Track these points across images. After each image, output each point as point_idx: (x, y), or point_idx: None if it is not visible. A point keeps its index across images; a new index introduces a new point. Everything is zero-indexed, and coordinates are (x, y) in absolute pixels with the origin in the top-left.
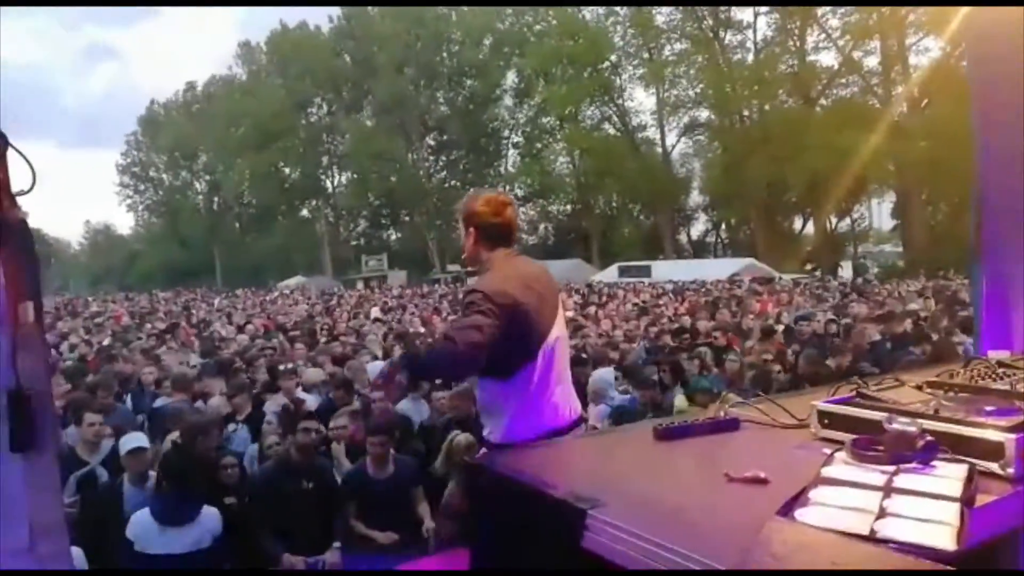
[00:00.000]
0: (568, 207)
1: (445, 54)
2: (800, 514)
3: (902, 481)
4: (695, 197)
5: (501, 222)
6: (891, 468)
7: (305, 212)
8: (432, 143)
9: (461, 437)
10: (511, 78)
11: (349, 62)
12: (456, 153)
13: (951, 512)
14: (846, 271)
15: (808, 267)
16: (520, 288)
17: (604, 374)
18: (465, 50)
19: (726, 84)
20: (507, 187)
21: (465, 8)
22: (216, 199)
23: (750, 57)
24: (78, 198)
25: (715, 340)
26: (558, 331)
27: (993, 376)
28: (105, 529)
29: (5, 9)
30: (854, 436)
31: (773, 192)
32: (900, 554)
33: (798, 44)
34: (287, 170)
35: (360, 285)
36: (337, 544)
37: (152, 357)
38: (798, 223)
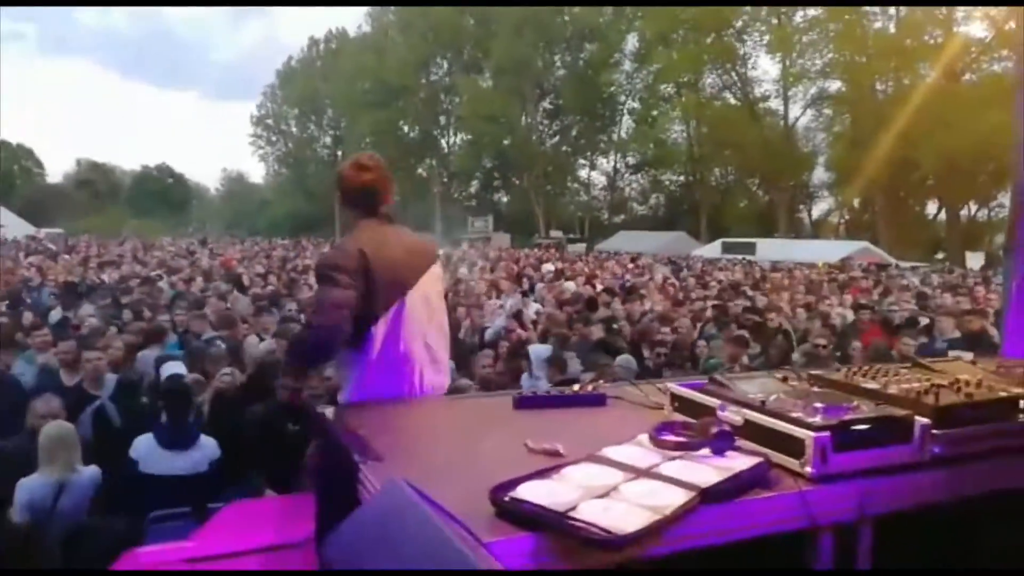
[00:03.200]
0: (681, 178)
1: (566, 16)
2: (521, 489)
3: (668, 468)
4: (819, 173)
5: (359, 186)
6: (676, 454)
7: (421, 171)
8: (548, 107)
9: None
10: (631, 42)
11: (471, 22)
12: (570, 118)
13: (674, 499)
14: (975, 262)
15: (939, 256)
16: (372, 249)
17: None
18: (585, 13)
19: (861, 54)
20: (619, 154)
21: None
22: (339, 153)
23: (891, 26)
24: (217, 146)
25: (769, 321)
26: (417, 297)
27: (888, 375)
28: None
29: None
30: (681, 420)
31: (903, 172)
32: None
33: (945, 13)
34: (406, 128)
35: (464, 245)
36: None
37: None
38: (931, 208)
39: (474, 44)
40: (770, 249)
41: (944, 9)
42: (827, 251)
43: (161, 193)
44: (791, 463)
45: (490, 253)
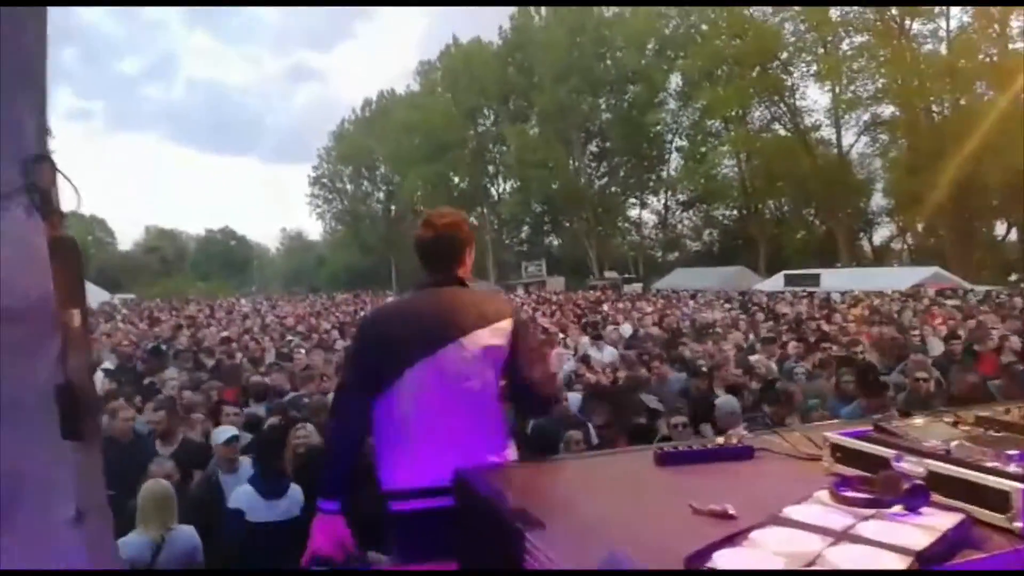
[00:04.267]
0: (734, 212)
1: (609, 61)
2: (718, 558)
3: (866, 528)
4: (878, 200)
5: (416, 243)
6: (868, 512)
7: (472, 219)
8: (594, 149)
9: None
10: (675, 81)
11: (515, 73)
12: (617, 159)
13: (891, 567)
14: None
15: (1013, 278)
16: (387, 316)
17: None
18: (628, 55)
19: (913, 77)
20: (669, 192)
21: (627, 12)
22: (392, 207)
23: (943, 48)
24: (276, 207)
25: (857, 355)
26: (446, 361)
27: None
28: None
29: (224, 36)
30: (855, 474)
31: (967, 194)
32: None
33: (999, 31)
34: (456, 179)
35: (520, 290)
36: None
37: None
38: (1000, 229)
39: (519, 94)
40: (836, 279)
41: (997, 26)
42: (896, 278)
43: (224, 255)
44: (995, 518)
45: (552, 297)
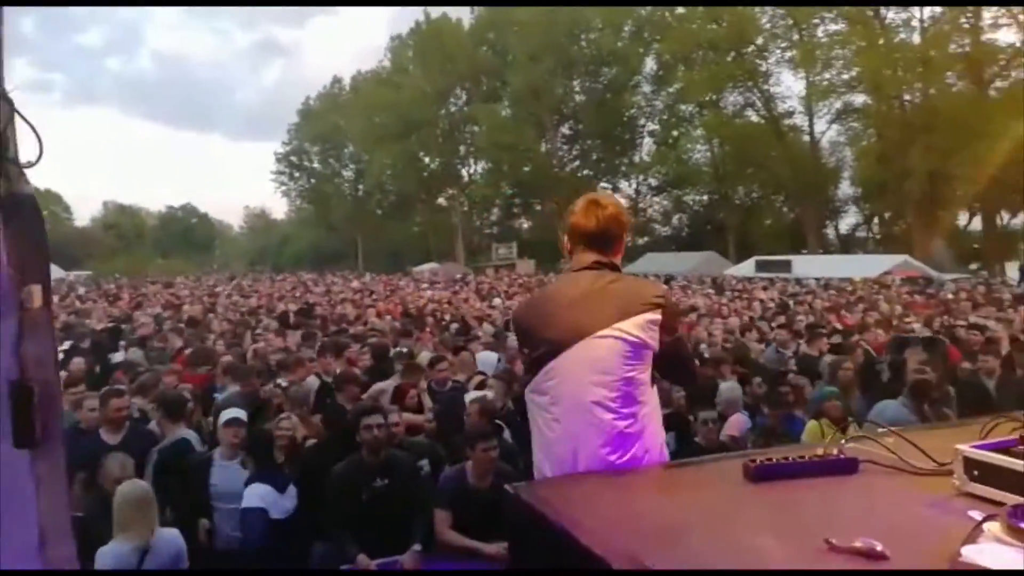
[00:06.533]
0: (704, 197)
1: (583, 42)
2: None
3: None
4: (845, 188)
5: (565, 228)
6: None
7: (442, 200)
8: (567, 132)
9: None
10: (650, 64)
11: (488, 52)
12: (590, 142)
13: None
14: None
15: (973, 267)
16: (534, 305)
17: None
18: (604, 37)
19: (886, 66)
20: (641, 176)
21: None
22: (360, 187)
23: (916, 37)
24: (240, 185)
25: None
26: (582, 351)
27: None
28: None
29: (191, 9)
30: (1016, 501)
31: (934, 184)
32: None
33: (972, 21)
34: (426, 159)
35: (490, 272)
36: (417, 547)
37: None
38: (962, 218)
39: (491, 74)
40: (806, 266)
41: (970, 14)
42: (866, 266)
43: (185, 233)
44: None
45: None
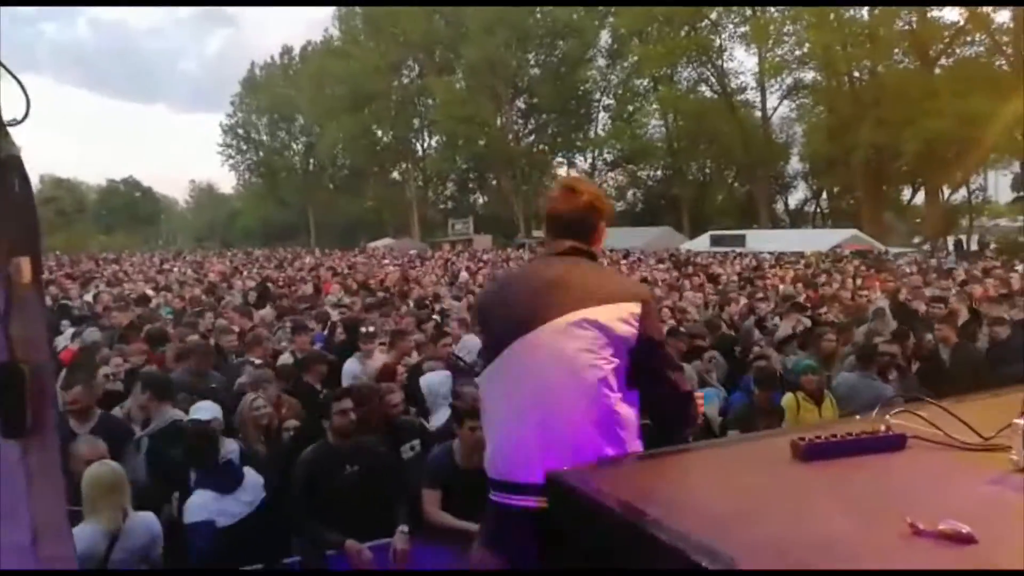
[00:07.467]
0: (659, 173)
1: (539, 14)
2: None
3: None
4: (794, 164)
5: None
6: None
7: (396, 174)
8: (522, 106)
9: None
10: (605, 38)
11: (442, 23)
12: (545, 116)
13: None
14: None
15: (916, 240)
16: (495, 289)
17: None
18: (558, 10)
19: (836, 43)
20: (596, 152)
21: None
22: (312, 160)
23: (864, 13)
24: (185, 158)
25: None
26: (539, 341)
27: None
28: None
29: None
30: None
31: (881, 159)
32: None
33: None
34: (379, 132)
35: (447, 247)
36: (404, 528)
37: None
38: (906, 193)
39: (445, 45)
40: (760, 240)
41: None
42: (817, 240)
43: (128, 207)
44: None
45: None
